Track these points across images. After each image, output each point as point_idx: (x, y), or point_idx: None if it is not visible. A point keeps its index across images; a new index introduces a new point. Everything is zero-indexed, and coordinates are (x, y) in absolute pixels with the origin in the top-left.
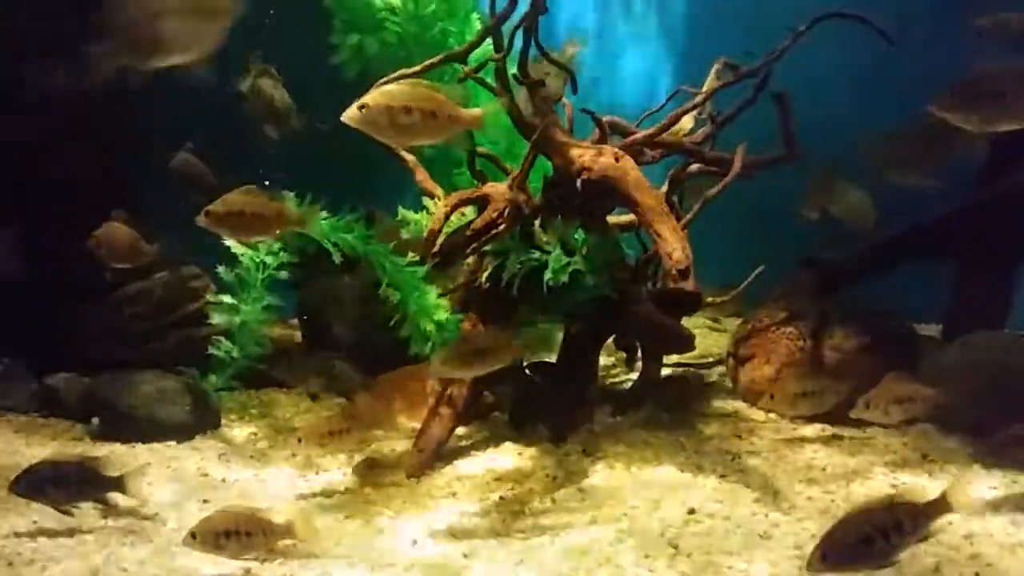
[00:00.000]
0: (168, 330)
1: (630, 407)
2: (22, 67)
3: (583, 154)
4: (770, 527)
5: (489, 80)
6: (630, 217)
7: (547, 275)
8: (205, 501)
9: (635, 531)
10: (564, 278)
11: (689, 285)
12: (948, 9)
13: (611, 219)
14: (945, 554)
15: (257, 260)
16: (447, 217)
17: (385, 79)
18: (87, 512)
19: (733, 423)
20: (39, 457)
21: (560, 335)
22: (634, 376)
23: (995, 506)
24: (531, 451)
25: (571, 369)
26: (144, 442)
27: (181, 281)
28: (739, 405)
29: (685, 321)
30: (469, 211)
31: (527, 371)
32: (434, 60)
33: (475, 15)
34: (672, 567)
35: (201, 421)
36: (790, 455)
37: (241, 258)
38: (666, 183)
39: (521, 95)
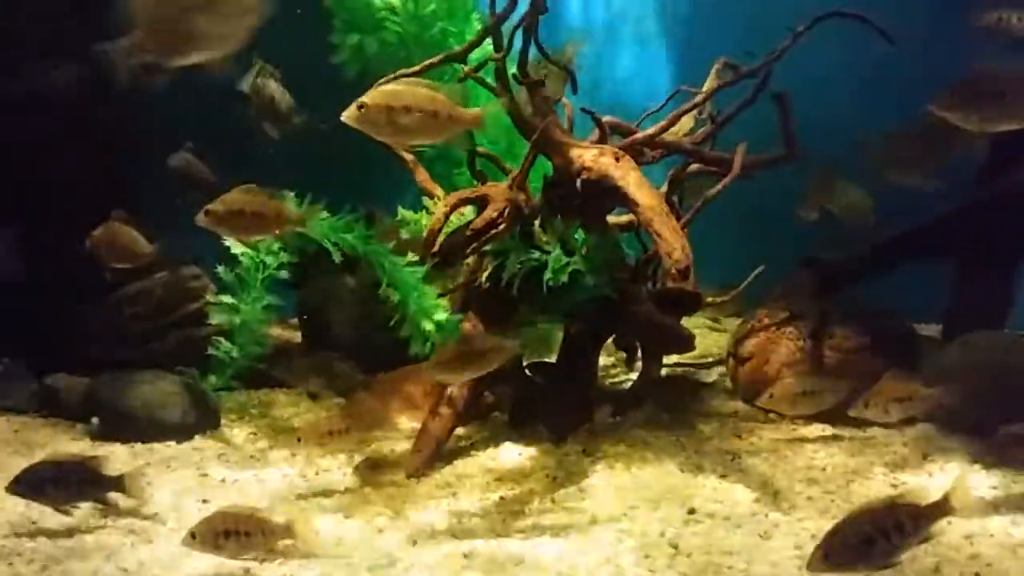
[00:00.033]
0: (168, 330)
1: (630, 407)
2: (22, 67)
3: (583, 154)
4: (770, 527)
5: (489, 80)
6: (630, 217)
7: (547, 275)
8: (204, 501)
9: (635, 531)
10: (564, 278)
11: (689, 285)
12: (948, 9)
13: (611, 219)
14: (945, 554)
15: (257, 260)
16: (447, 217)
17: (385, 79)
18: (87, 512)
19: (733, 423)
20: (39, 457)
21: (560, 335)
22: (634, 376)
23: (995, 506)
24: (531, 451)
25: (571, 369)
26: (144, 442)
27: (181, 281)
28: (739, 405)
29: (685, 321)
30: (469, 211)
31: (527, 371)
32: (434, 60)
33: (475, 15)
34: (672, 567)
35: (201, 421)
36: (790, 455)
37: (241, 258)
38: (666, 183)
39: (521, 95)
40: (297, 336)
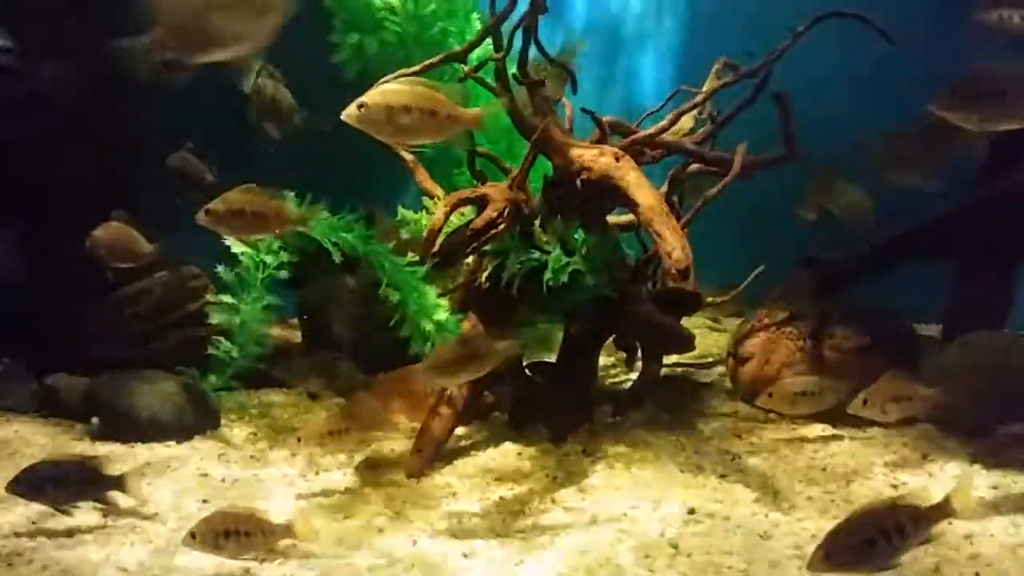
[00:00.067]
0: (168, 330)
1: (630, 407)
2: (22, 66)
3: (583, 154)
4: (770, 527)
5: (489, 80)
6: (630, 217)
7: (547, 275)
8: (204, 501)
9: (635, 531)
10: (564, 278)
11: (689, 285)
12: (948, 9)
13: (611, 219)
14: (945, 554)
15: (257, 260)
16: (447, 217)
17: (385, 79)
18: (87, 512)
19: (733, 423)
20: (38, 457)
21: (560, 335)
22: (634, 376)
23: (995, 506)
24: (531, 451)
25: (571, 369)
26: (144, 442)
27: (181, 281)
28: (739, 405)
29: (685, 321)
30: (469, 211)
31: (527, 371)
32: (434, 60)
33: (475, 15)
34: (672, 567)
35: (201, 421)
36: (790, 455)
37: (241, 258)
38: (666, 183)
39: (521, 95)
40: (297, 336)
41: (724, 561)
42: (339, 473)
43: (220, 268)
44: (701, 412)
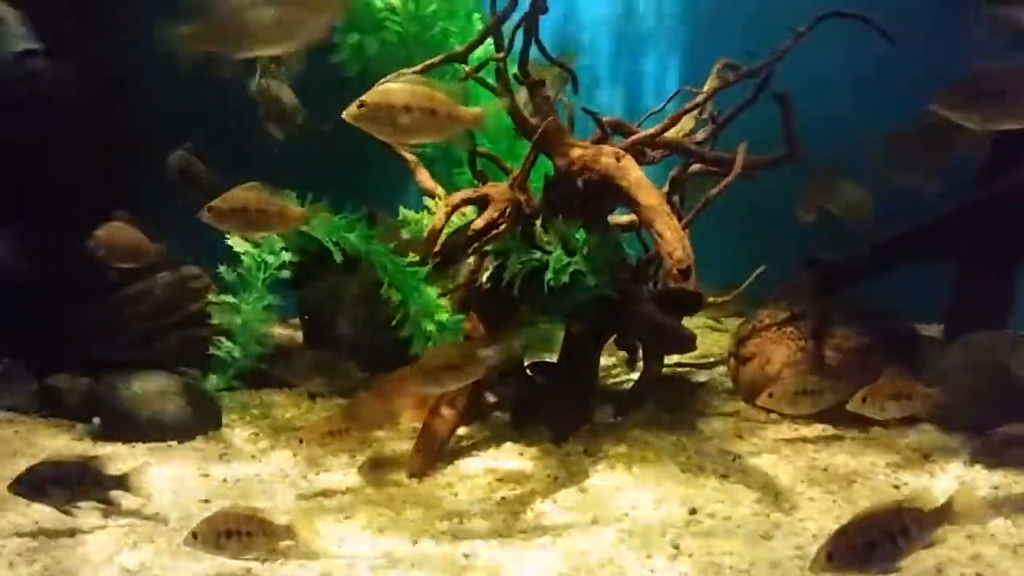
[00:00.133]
0: (169, 330)
1: (631, 407)
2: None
3: (584, 154)
4: (771, 527)
5: (490, 80)
6: (631, 217)
7: (548, 275)
8: (206, 501)
9: (636, 531)
10: (565, 278)
11: (690, 285)
12: (948, 9)
13: (612, 219)
14: (946, 554)
15: (258, 259)
16: (448, 217)
17: (385, 79)
18: (88, 512)
19: (734, 423)
20: (40, 457)
21: (561, 335)
22: (635, 376)
23: (996, 506)
24: (532, 451)
25: (572, 369)
26: (145, 442)
27: (182, 281)
28: (740, 405)
29: (686, 321)
30: (470, 211)
31: (528, 371)
32: (435, 60)
33: (476, 15)
34: (673, 567)
35: (202, 421)
36: (791, 455)
37: (243, 257)
38: (667, 183)
39: (522, 95)
40: (298, 336)
41: (725, 561)
42: (340, 473)
43: (221, 268)
44: (702, 412)
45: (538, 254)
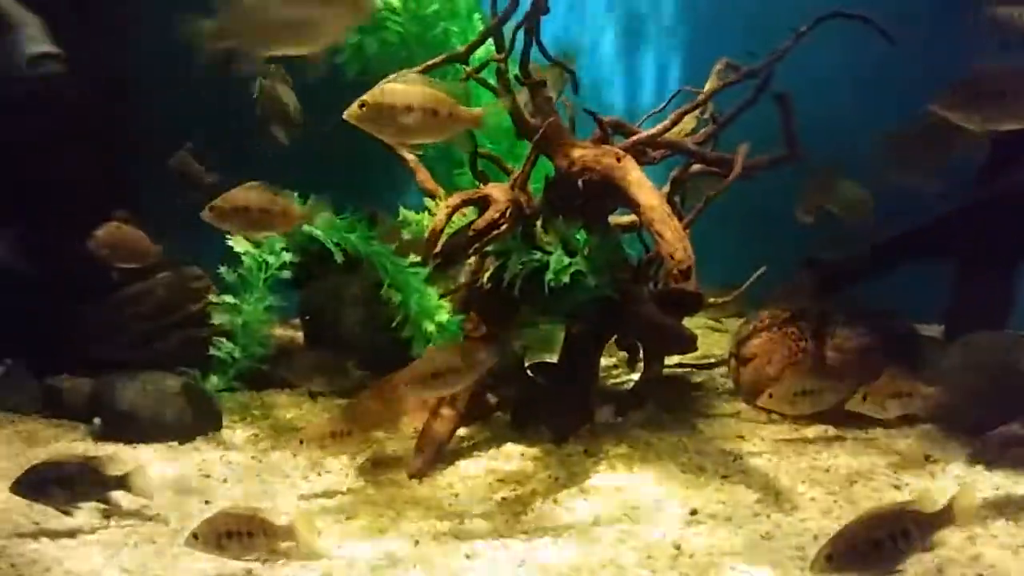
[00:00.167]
0: (170, 331)
1: (632, 408)
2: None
3: (585, 154)
4: (772, 528)
5: (491, 80)
6: (632, 217)
7: (548, 276)
8: (207, 502)
9: (637, 532)
10: (566, 279)
11: (691, 286)
12: (948, 9)
13: (613, 219)
14: (947, 555)
15: (259, 260)
16: (449, 218)
17: (387, 79)
18: (89, 513)
19: (735, 424)
20: (41, 457)
21: (561, 336)
22: (635, 377)
23: (998, 507)
24: (533, 452)
25: (573, 370)
26: (146, 443)
27: (183, 281)
28: (741, 406)
29: (687, 322)
30: (470, 211)
31: (529, 372)
32: (436, 60)
33: (477, 15)
34: (674, 568)
35: (203, 422)
36: (792, 456)
37: (243, 258)
38: (668, 183)
39: (522, 95)
40: (299, 336)
41: (726, 562)
42: (341, 474)
43: (222, 268)
44: (703, 413)
45: (539, 255)
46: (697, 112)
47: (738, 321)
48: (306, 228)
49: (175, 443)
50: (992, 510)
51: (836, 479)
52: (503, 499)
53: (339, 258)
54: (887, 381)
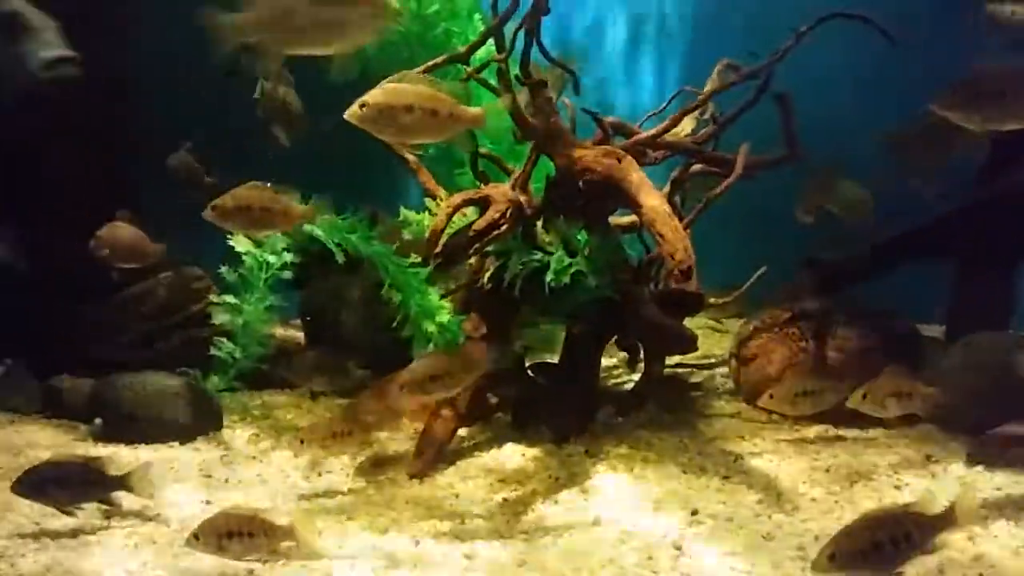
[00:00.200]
0: (171, 331)
1: (632, 408)
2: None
3: (585, 155)
4: (773, 528)
5: (491, 81)
6: (632, 218)
7: (549, 276)
8: (207, 502)
9: (638, 532)
10: (566, 279)
11: (691, 286)
12: (948, 9)
13: (613, 220)
14: (948, 555)
15: (260, 260)
16: (449, 218)
17: (387, 79)
18: (90, 513)
19: (736, 424)
20: (42, 458)
21: (562, 336)
22: (636, 377)
23: (999, 507)
24: (534, 452)
25: (573, 370)
26: (147, 443)
27: (184, 282)
28: (742, 406)
29: (687, 322)
30: (471, 212)
31: (530, 372)
32: (437, 60)
33: (477, 15)
34: (675, 568)
35: (203, 422)
36: (793, 456)
37: (244, 258)
38: (668, 184)
39: (523, 96)
40: (300, 337)
41: (727, 562)
42: (342, 474)
43: (223, 268)
44: (704, 413)
45: (539, 255)
46: (697, 113)
47: (739, 321)
48: (307, 228)
49: (176, 443)
50: (992, 510)
51: (837, 479)
52: (504, 499)
53: (340, 258)
54: (888, 380)
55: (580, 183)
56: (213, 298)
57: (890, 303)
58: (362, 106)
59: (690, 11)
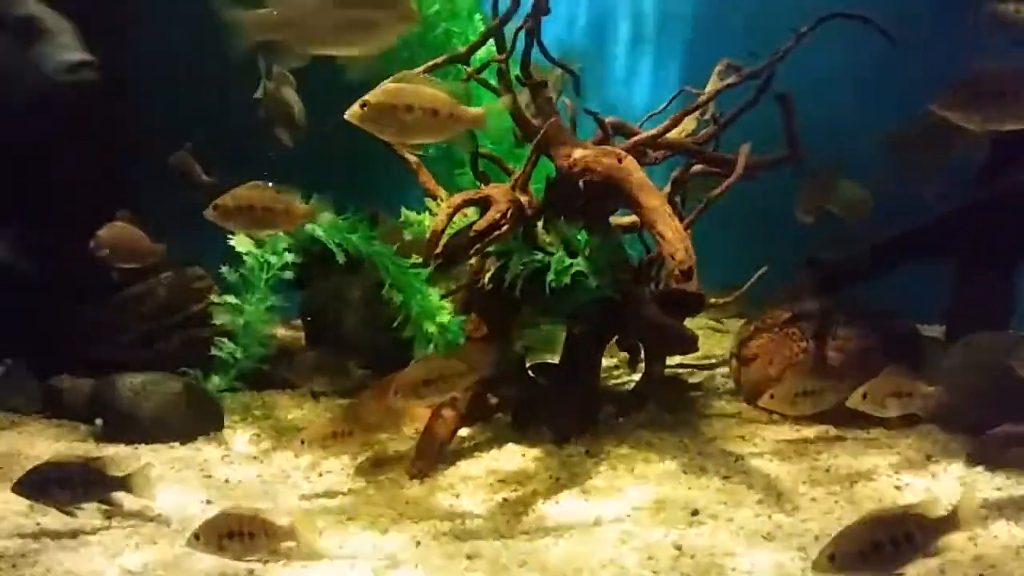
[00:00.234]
0: (172, 331)
1: (633, 408)
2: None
3: (586, 155)
4: (774, 528)
5: (492, 81)
6: (633, 218)
7: (550, 276)
8: (208, 502)
9: (638, 532)
10: (567, 279)
11: (692, 286)
12: (948, 9)
13: (614, 220)
14: (949, 555)
15: (261, 260)
16: (450, 218)
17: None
18: (91, 513)
19: (736, 424)
20: (42, 458)
21: (563, 336)
22: (637, 377)
23: (999, 507)
24: (534, 452)
25: (574, 370)
26: (147, 443)
27: (185, 282)
28: (742, 406)
29: (688, 322)
30: (472, 212)
31: (530, 372)
32: (437, 61)
33: (478, 16)
34: (675, 568)
35: (204, 422)
36: (793, 456)
37: (245, 258)
38: (669, 184)
39: (523, 96)
40: (301, 337)
41: (727, 563)
42: (342, 474)
43: (224, 269)
44: (704, 413)
45: (540, 255)
46: (697, 113)
47: (739, 322)
48: (308, 228)
49: (176, 443)
50: (993, 510)
51: (837, 479)
52: (504, 500)
53: (341, 259)
54: (888, 379)
55: (581, 183)
56: (214, 298)
57: (890, 303)
58: (363, 106)
59: (690, 11)
